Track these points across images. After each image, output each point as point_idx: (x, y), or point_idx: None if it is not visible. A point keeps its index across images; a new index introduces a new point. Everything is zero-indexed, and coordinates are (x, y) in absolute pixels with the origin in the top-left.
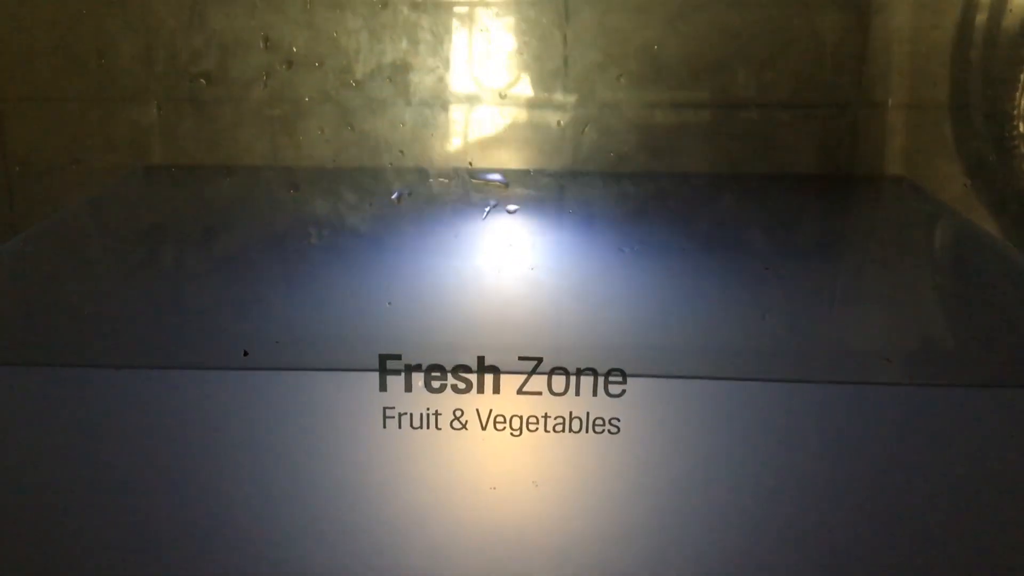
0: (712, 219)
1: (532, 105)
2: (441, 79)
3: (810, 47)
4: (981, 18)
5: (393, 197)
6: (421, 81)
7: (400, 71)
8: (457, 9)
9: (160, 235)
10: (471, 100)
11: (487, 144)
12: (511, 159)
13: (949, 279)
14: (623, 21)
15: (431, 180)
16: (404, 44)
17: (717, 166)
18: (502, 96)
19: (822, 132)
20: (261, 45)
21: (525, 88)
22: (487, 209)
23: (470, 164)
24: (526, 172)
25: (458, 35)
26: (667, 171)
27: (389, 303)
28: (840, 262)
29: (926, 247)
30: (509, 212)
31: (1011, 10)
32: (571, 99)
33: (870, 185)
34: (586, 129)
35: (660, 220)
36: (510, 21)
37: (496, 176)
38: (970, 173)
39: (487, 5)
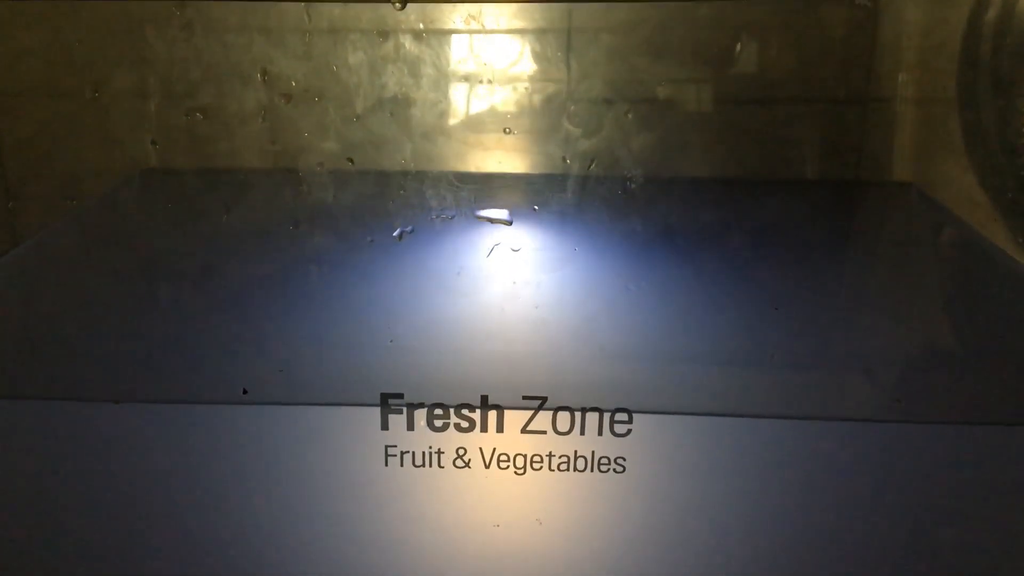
0: (717, 240)
1: (537, 139)
2: (443, 113)
3: (817, 42)
4: (991, 14)
5: (394, 234)
6: (423, 116)
7: (401, 105)
8: (459, 41)
9: (157, 269)
10: (474, 133)
11: (491, 179)
12: (515, 195)
13: (959, 308)
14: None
15: (434, 217)
16: (406, 77)
17: (720, 169)
18: (506, 131)
19: (829, 132)
20: (259, 78)
21: (529, 121)
22: (493, 246)
23: (473, 200)
24: (531, 209)
25: (461, 67)
26: (668, 176)
27: (391, 341)
28: (847, 291)
29: (935, 269)
30: (514, 251)
31: (1020, 11)
32: (576, 131)
33: (877, 191)
34: (592, 165)
35: (664, 247)
36: (514, 53)
37: (501, 213)
38: (979, 174)
39: (490, 37)
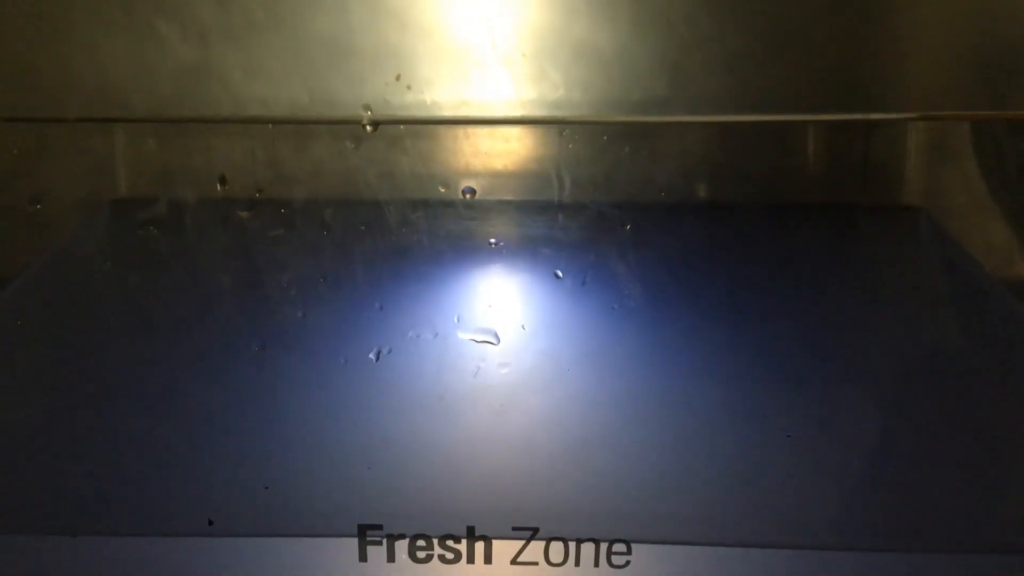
0: (715, 323)
1: (526, 250)
2: (423, 229)
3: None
4: None
5: (371, 356)
6: (400, 228)
7: (377, 217)
8: (446, 142)
9: (113, 384)
10: (460, 249)
11: (477, 297)
12: (503, 312)
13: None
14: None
15: (412, 335)
16: (382, 185)
17: (721, 192)
18: (492, 244)
19: (830, 148)
20: (218, 188)
21: (519, 231)
22: (478, 367)
23: (457, 320)
24: (519, 326)
25: (442, 176)
26: (650, 202)
27: (368, 467)
28: (864, 408)
29: (943, 332)
30: (502, 373)
31: None
32: (572, 238)
33: (884, 217)
34: (585, 280)
35: (661, 335)
36: (502, 158)
37: (487, 333)
38: (997, 198)
39: (474, 146)
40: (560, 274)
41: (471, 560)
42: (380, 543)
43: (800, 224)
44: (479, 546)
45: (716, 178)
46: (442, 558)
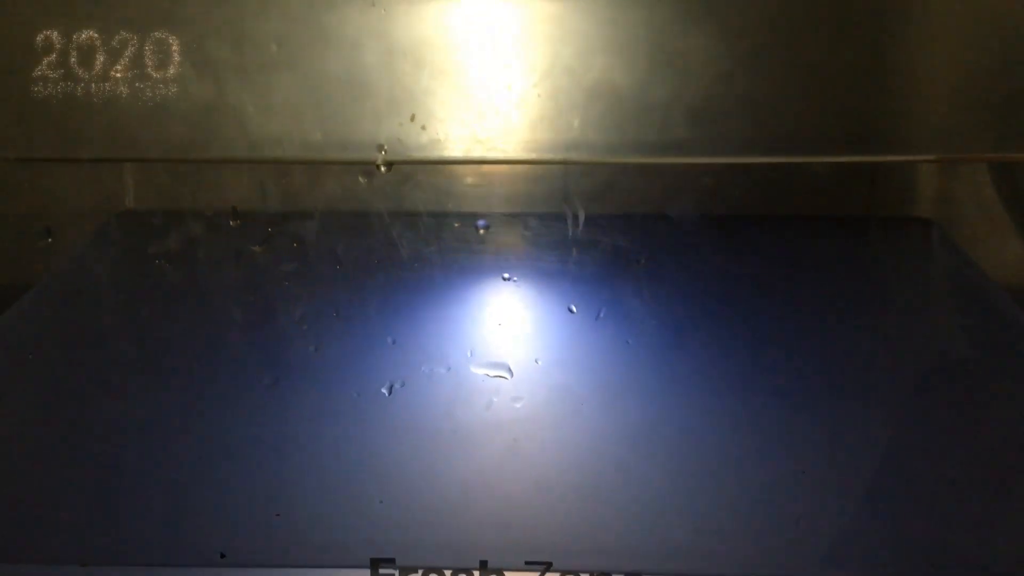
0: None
1: (539, 285)
2: (435, 263)
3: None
4: None
5: (383, 390)
6: (413, 263)
7: (390, 250)
8: (453, 182)
9: (124, 416)
10: (471, 282)
11: (490, 327)
12: (516, 345)
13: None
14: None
15: (425, 369)
16: (394, 220)
17: (727, 204)
18: (505, 278)
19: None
20: (231, 223)
21: (531, 264)
22: (491, 400)
23: (470, 354)
24: (533, 362)
25: (455, 209)
26: (657, 212)
27: (380, 501)
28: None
29: (950, 348)
30: (516, 407)
31: None
32: (585, 272)
33: (893, 232)
34: (601, 313)
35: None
36: (512, 194)
37: (500, 367)
38: (1006, 206)
39: (488, 182)
40: (574, 309)
41: None
42: None
43: (810, 237)
44: None
45: (722, 189)
46: None
